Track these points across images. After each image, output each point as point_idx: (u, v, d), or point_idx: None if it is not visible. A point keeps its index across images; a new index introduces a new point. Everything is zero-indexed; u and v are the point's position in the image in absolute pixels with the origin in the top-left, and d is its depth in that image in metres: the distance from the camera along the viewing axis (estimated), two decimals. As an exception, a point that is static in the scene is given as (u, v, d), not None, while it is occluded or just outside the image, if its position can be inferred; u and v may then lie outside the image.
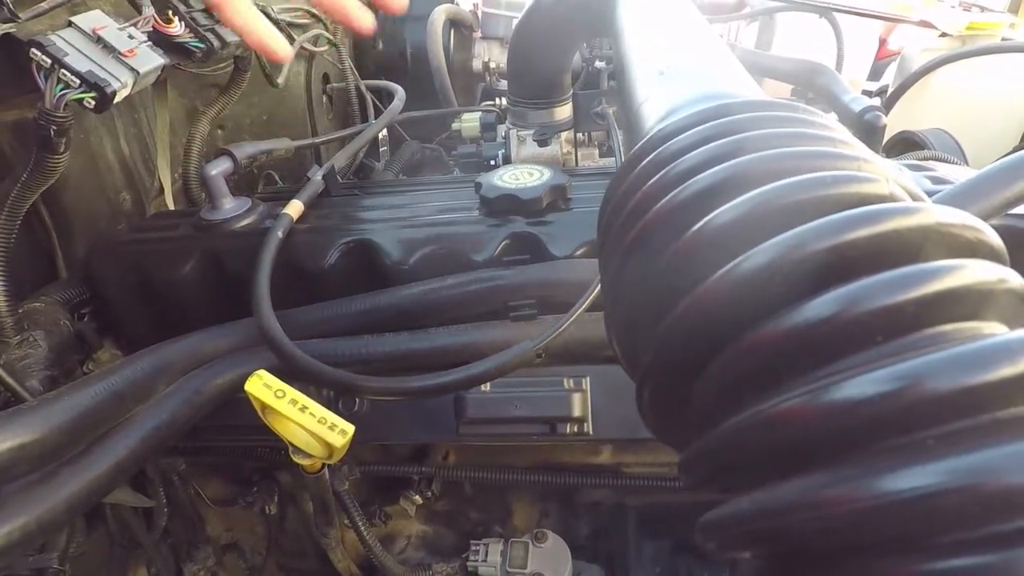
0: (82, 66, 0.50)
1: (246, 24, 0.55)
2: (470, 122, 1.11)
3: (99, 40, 0.53)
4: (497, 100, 1.13)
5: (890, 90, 1.37)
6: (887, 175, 0.20)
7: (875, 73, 1.76)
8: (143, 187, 0.76)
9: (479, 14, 1.42)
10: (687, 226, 0.21)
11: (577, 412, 0.59)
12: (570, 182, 0.65)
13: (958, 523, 0.15)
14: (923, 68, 1.28)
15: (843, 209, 0.18)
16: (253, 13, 0.55)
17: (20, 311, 0.58)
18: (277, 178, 1.01)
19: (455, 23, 1.33)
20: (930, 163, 0.67)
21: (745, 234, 0.19)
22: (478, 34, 1.43)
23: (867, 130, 0.87)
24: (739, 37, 1.69)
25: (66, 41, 0.51)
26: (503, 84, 1.37)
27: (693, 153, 0.24)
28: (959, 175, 0.58)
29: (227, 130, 0.93)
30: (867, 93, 1.52)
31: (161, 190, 0.78)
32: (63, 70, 0.50)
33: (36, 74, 0.50)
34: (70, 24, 0.52)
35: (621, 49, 0.50)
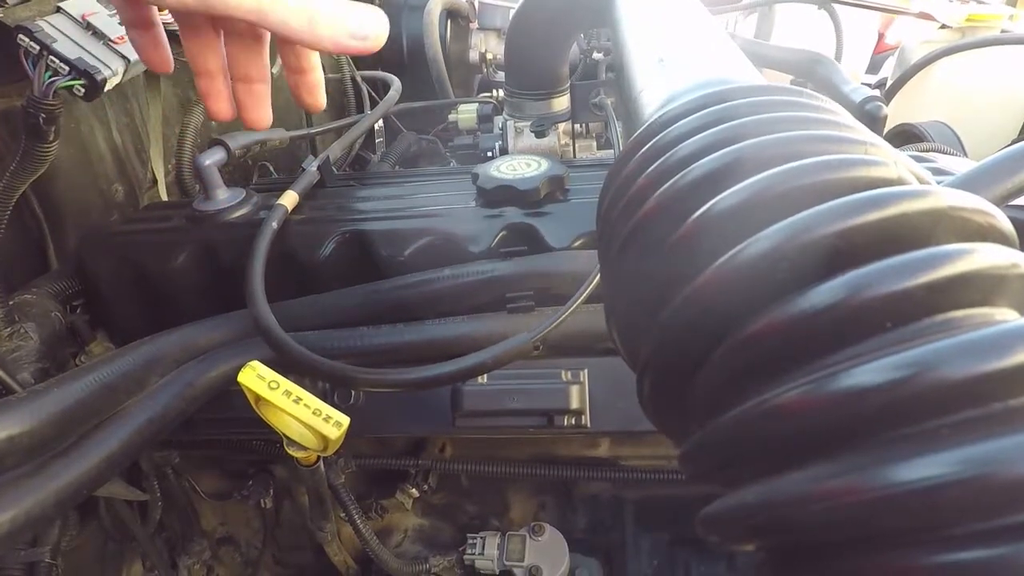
0: (71, 53, 0.50)
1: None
2: (467, 113, 1.10)
3: (89, 26, 0.52)
4: (494, 91, 1.12)
5: (889, 83, 1.37)
6: (895, 158, 0.20)
7: (873, 67, 1.75)
8: (136, 178, 0.76)
9: (476, 5, 1.41)
10: (688, 213, 0.21)
11: (575, 404, 0.59)
12: (568, 173, 0.64)
13: (968, 514, 0.14)
14: (922, 60, 1.28)
15: (850, 193, 0.18)
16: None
17: (11, 303, 0.58)
18: (272, 169, 1.00)
19: (452, 14, 1.32)
20: (930, 155, 0.66)
21: (749, 220, 0.19)
22: (475, 25, 1.42)
23: (868, 120, 0.86)
24: (737, 29, 1.68)
25: (54, 27, 0.50)
26: (500, 75, 1.36)
27: (694, 139, 0.24)
28: (959, 167, 0.58)
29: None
30: (866, 86, 1.51)
31: (154, 181, 0.77)
32: (51, 57, 0.49)
33: (24, 61, 0.49)
34: (59, 10, 0.51)
35: (619, 38, 0.49)
